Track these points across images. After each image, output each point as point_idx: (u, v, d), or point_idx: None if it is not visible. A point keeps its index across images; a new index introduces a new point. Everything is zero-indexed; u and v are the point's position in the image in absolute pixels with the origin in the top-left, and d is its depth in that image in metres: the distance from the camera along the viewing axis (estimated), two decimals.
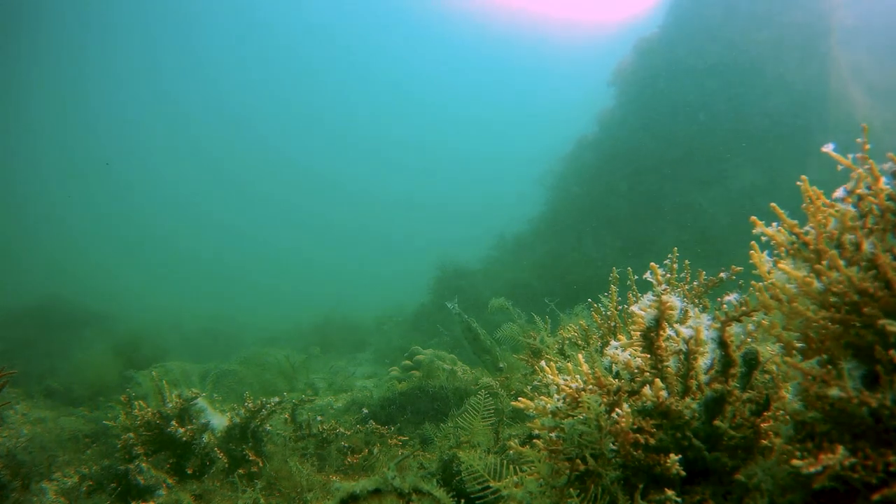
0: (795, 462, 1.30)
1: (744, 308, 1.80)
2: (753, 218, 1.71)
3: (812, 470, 1.26)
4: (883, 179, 1.59)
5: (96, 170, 59.18)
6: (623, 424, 1.72)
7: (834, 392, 1.35)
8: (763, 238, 1.74)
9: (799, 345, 1.63)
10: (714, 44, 14.06)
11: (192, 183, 65.86)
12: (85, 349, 11.53)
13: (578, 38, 49.25)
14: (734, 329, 1.80)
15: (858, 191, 1.63)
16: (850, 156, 1.66)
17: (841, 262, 1.50)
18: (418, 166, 68.37)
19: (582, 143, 16.68)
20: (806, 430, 1.47)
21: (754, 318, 1.79)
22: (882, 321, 1.39)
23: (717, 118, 14.07)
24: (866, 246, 1.53)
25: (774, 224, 1.74)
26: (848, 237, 1.59)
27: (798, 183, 1.68)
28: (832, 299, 1.52)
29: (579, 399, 1.87)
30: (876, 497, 1.22)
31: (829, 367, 1.50)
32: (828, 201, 1.67)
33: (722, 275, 2.96)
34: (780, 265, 1.65)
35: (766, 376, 1.88)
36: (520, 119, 62.60)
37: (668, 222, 13.77)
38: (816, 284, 1.58)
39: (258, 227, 62.06)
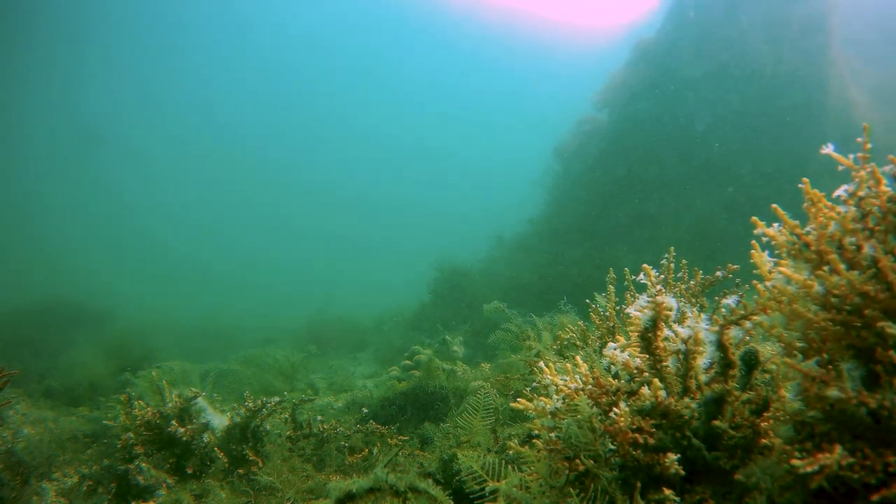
0: (794, 462, 1.30)
1: (742, 312, 1.80)
2: (754, 219, 1.71)
3: (809, 469, 1.26)
4: (885, 181, 1.58)
5: (96, 174, 59.15)
6: (621, 424, 1.73)
7: (833, 392, 1.35)
8: (764, 239, 1.73)
9: (800, 345, 1.63)
10: (713, 45, 14.06)
11: (192, 187, 65.82)
12: (84, 349, 11.51)
13: (578, 41, 49.27)
14: (733, 332, 1.80)
15: (860, 193, 1.62)
16: (851, 156, 1.66)
17: (842, 266, 1.50)
18: (419, 169, 68.39)
19: (582, 143, 16.67)
20: (806, 431, 1.47)
21: (755, 319, 1.79)
22: (882, 323, 1.38)
23: (717, 119, 14.09)
24: (867, 248, 1.53)
25: (776, 225, 1.73)
26: (849, 239, 1.58)
27: (800, 185, 1.68)
28: (833, 300, 1.52)
29: (576, 399, 1.88)
30: (875, 498, 1.21)
31: (829, 367, 1.49)
32: (829, 203, 1.67)
33: (718, 273, 2.97)
34: (782, 268, 1.65)
35: (767, 376, 1.88)
36: (519, 121, 62.57)
37: (666, 222, 13.78)
38: (817, 287, 1.58)
39: (258, 231, 62.03)
